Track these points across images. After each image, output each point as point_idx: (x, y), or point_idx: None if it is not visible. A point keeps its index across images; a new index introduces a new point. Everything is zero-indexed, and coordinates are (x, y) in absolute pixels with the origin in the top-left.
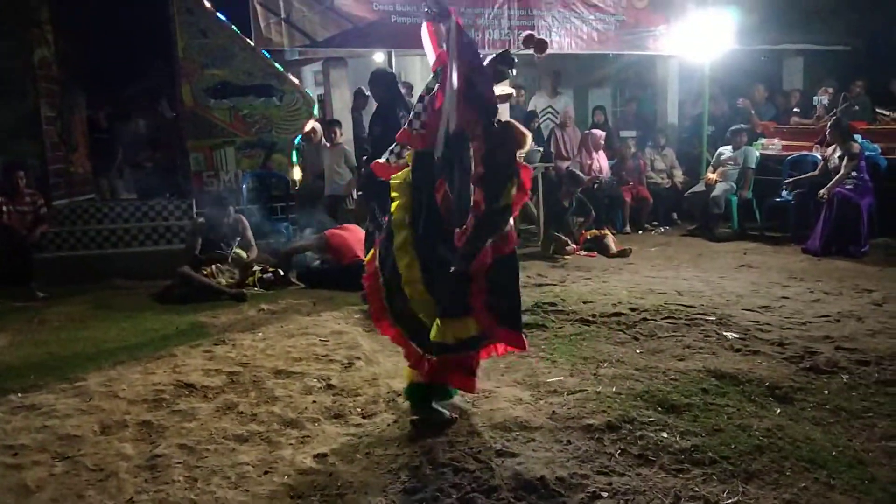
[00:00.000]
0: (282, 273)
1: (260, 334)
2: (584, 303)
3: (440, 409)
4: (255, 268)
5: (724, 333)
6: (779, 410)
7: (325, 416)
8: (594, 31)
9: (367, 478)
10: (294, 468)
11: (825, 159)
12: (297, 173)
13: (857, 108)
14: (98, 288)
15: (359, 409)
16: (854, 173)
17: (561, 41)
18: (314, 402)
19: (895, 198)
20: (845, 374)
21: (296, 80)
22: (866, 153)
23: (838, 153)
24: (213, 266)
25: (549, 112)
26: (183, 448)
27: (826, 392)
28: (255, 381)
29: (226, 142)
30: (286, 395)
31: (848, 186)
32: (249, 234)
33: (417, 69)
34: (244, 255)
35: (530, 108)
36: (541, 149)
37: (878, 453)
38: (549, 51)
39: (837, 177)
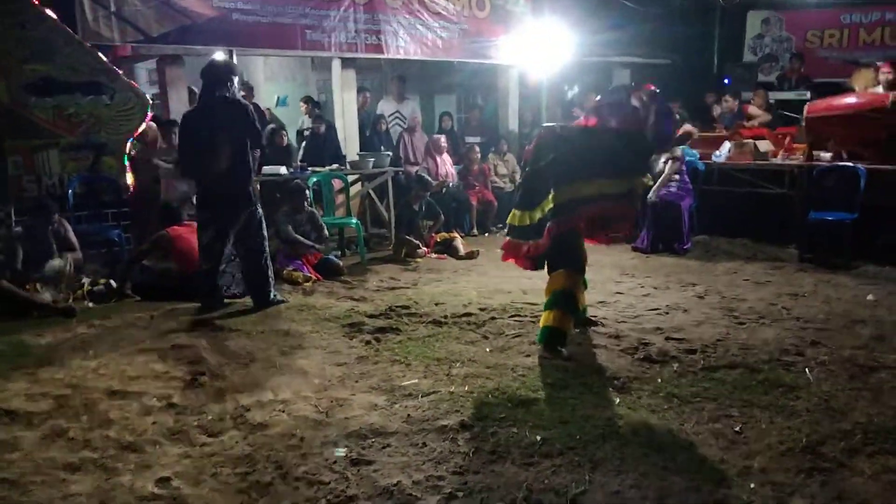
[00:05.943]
0: (115, 285)
1: (91, 353)
2: (436, 304)
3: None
4: (84, 280)
5: None
6: (618, 400)
7: (166, 438)
8: (438, 39)
9: (216, 500)
10: (134, 495)
11: None
12: (130, 177)
13: (678, 116)
14: None
15: (204, 428)
16: (676, 177)
17: (406, 47)
18: (154, 422)
19: (712, 199)
20: (675, 362)
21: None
22: (687, 158)
23: (663, 157)
24: (35, 283)
25: (396, 117)
26: (3, 483)
27: (659, 380)
28: (86, 403)
29: (49, 143)
30: (122, 418)
31: (671, 189)
32: (72, 236)
33: (259, 69)
34: (58, 263)
35: (378, 112)
36: (389, 153)
37: (706, 435)
38: (394, 56)
39: (661, 178)
